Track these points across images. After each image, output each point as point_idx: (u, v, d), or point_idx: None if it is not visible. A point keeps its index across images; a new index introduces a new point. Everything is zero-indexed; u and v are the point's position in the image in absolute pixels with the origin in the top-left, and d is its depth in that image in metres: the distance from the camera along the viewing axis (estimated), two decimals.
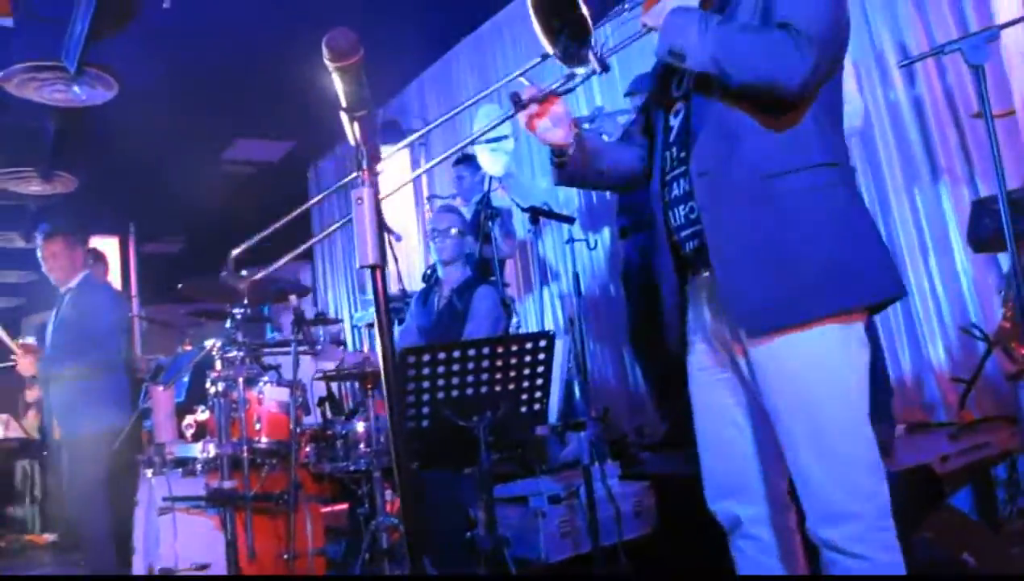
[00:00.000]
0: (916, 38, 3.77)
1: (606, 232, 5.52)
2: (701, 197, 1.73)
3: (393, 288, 5.20)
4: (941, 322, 3.71)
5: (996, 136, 2.09)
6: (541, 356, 3.10)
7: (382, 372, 1.39)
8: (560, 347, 3.21)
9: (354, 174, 1.48)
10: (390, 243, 4.85)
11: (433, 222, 3.99)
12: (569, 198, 5.71)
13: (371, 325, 5.09)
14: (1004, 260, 3.41)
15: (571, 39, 1.71)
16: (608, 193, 4.74)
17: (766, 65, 1.61)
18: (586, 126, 4.50)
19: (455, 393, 3.02)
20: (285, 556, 3.22)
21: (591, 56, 1.70)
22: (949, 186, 3.72)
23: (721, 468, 1.87)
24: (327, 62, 1.38)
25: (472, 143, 4.10)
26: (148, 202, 8.59)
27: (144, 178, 8.21)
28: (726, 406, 1.85)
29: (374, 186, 1.46)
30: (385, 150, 6.47)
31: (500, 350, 3.05)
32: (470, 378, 3.03)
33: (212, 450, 3.22)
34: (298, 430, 3.35)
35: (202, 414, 3.65)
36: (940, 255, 3.73)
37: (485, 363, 3.02)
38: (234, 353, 3.21)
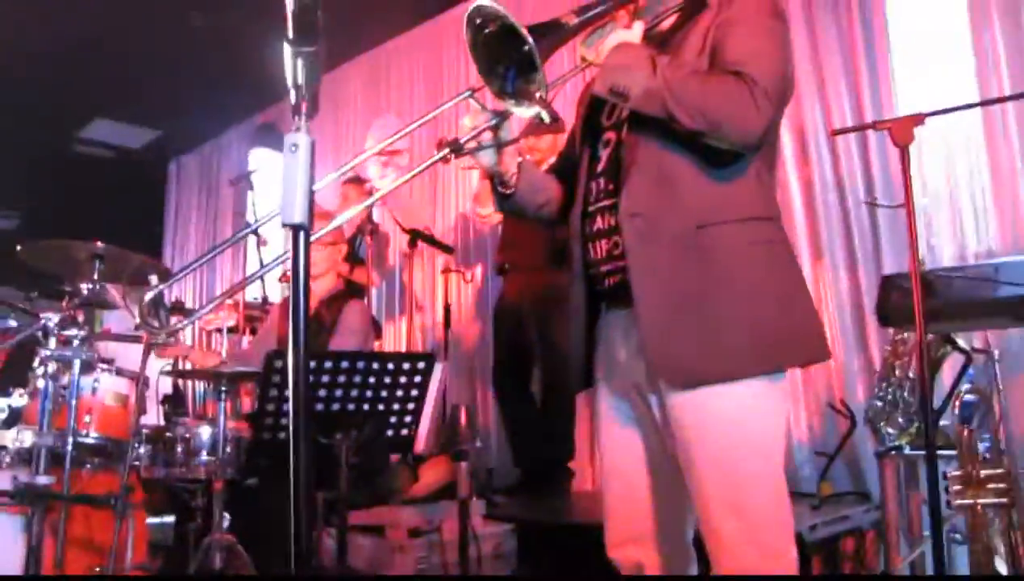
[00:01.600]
0: (812, 120, 3.93)
1: (479, 269, 5.43)
2: (630, 239, 1.64)
3: (254, 295, 4.88)
4: (806, 397, 3.81)
5: (914, 217, 2.12)
6: (418, 378, 2.92)
7: (291, 370, 1.17)
8: (438, 372, 3.04)
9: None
10: (258, 248, 4.52)
11: None
12: (447, 229, 5.59)
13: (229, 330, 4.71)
14: (873, 337, 3.56)
15: (516, 79, 1.57)
16: (500, 229, 4.63)
17: (722, 115, 1.55)
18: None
19: (320, 406, 2.79)
20: (98, 569, 2.83)
21: (539, 101, 1.54)
22: (827, 267, 3.85)
23: (626, 512, 1.77)
24: None
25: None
26: None
27: None
28: (635, 449, 1.76)
29: (310, 134, 1.27)
30: (262, 153, 6.12)
31: (376, 366, 2.85)
32: (339, 392, 2.81)
33: (29, 438, 2.81)
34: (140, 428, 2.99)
35: (19, 399, 3.21)
36: None
37: (357, 378, 2.81)
38: (74, 331, 2.83)
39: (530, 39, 1.46)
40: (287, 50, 1.31)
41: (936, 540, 2.03)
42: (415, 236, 4.47)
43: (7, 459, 3.01)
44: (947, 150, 3.48)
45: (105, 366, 3.16)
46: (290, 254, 1.23)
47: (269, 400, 2.76)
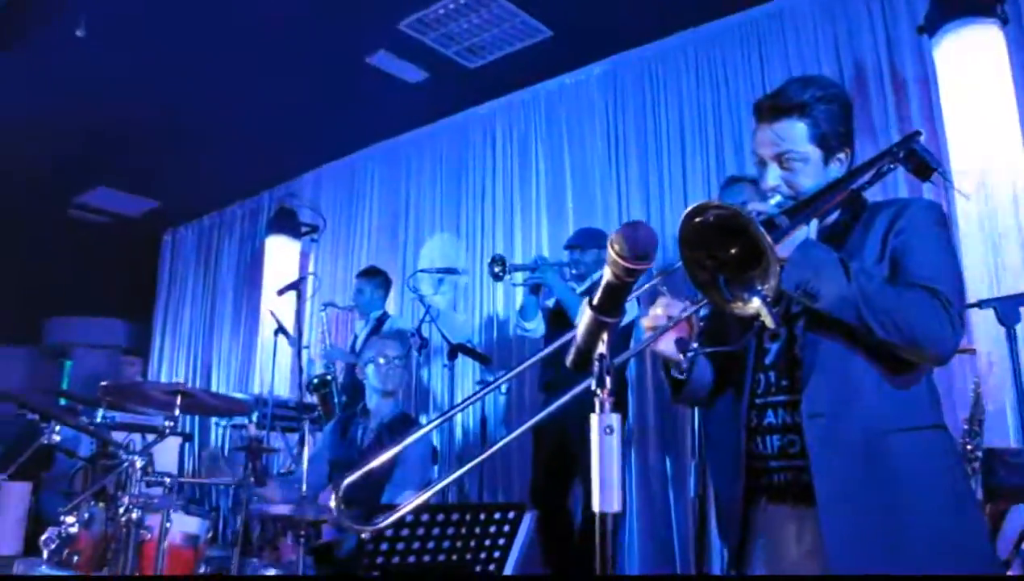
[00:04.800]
0: None
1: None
2: (812, 440, 1.66)
3: (285, 392, 4.76)
4: None
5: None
6: (506, 528, 2.88)
7: None
8: (527, 520, 2.98)
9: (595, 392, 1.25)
10: (299, 351, 4.41)
11: (381, 347, 3.69)
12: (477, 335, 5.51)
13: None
14: None
15: (729, 275, 1.49)
16: (542, 343, 4.59)
17: (920, 332, 1.58)
18: (522, 275, 4.37)
19: (411, 558, 2.73)
20: None
21: (762, 300, 1.44)
22: None
23: None
24: (615, 255, 1.15)
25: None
26: None
27: None
28: None
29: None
30: (279, 241, 6.01)
31: (468, 517, 2.80)
32: (431, 544, 2.75)
33: None
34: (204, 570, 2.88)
35: (72, 528, 3.04)
36: None
37: (451, 530, 2.76)
38: (163, 479, 2.71)
39: (768, 236, 1.41)
40: (587, 315, 1.27)
41: None
42: (455, 349, 4.42)
43: None
44: None
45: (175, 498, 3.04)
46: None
47: (365, 555, 2.68)
